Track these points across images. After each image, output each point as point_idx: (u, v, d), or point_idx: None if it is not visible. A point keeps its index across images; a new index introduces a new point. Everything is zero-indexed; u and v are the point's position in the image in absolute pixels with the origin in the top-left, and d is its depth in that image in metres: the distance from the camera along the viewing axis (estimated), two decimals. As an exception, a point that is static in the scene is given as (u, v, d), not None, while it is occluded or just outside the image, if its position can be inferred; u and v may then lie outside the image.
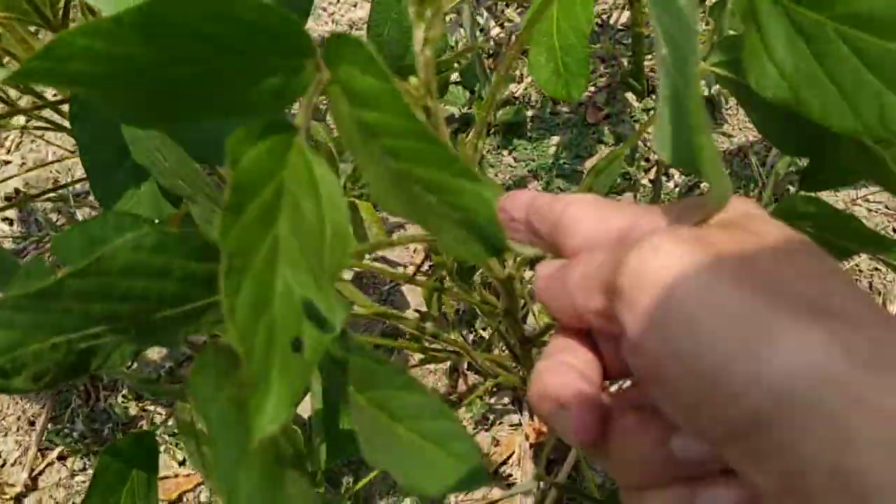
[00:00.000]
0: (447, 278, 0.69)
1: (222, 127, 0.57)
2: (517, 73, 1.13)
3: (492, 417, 0.86)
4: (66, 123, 0.85)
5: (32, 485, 0.89)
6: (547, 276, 0.28)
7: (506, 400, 0.87)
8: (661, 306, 0.22)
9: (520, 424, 0.85)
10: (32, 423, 0.94)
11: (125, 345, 0.40)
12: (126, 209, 0.59)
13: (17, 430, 0.94)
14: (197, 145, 0.46)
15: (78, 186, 1.19)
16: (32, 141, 1.31)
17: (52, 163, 1.19)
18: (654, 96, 1.04)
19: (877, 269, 0.89)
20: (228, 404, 0.30)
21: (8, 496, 0.87)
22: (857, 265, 0.90)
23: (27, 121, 1.36)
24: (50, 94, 0.92)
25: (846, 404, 0.19)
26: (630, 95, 1.05)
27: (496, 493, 0.80)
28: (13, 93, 0.97)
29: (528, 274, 0.73)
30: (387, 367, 0.32)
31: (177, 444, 0.87)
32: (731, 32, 0.48)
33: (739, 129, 1.01)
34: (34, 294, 0.35)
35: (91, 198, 1.16)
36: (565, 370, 0.27)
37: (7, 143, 1.32)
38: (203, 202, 0.52)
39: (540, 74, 0.59)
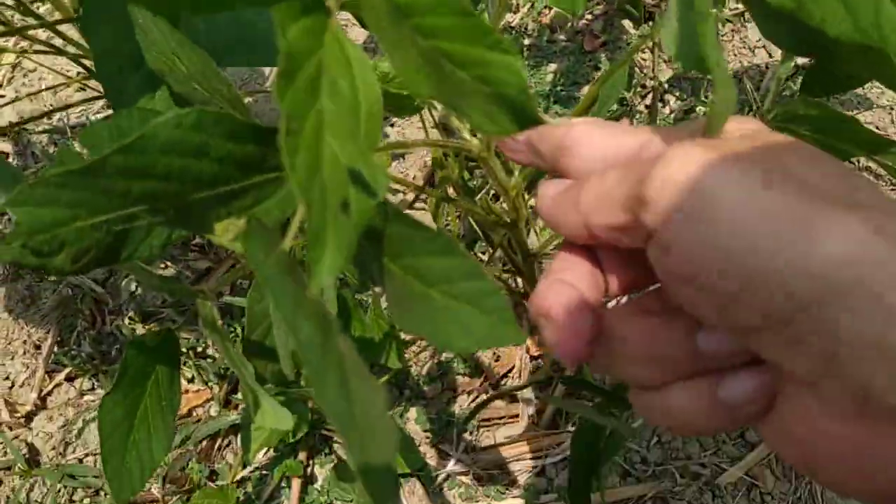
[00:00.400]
0: (453, 191, 0.70)
1: (245, 27, 0.58)
2: (514, 2, 1.14)
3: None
4: (66, 48, 0.85)
5: (42, 404, 0.91)
6: (554, 196, 0.29)
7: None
8: (697, 208, 0.22)
9: (519, 342, 0.87)
10: (38, 347, 0.96)
11: (159, 229, 0.42)
12: (106, 126, 0.59)
13: (24, 353, 0.95)
14: (221, 49, 0.46)
15: (73, 119, 1.18)
16: (25, 76, 1.30)
17: (47, 90, 1.19)
18: (650, 23, 1.05)
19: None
20: (278, 266, 0.32)
21: (19, 414, 0.89)
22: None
23: (21, 53, 1.34)
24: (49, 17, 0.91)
25: (889, 283, 0.20)
26: (627, 23, 1.06)
27: (498, 403, 0.83)
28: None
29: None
30: (423, 232, 0.33)
31: (184, 363, 0.89)
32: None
33: (734, 55, 1.03)
34: (78, 171, 0.36)
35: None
36: (562, 287, 0.28)
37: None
38: (221, 104, 0.53)
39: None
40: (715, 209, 0.22)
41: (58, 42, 0.94)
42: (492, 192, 0.86)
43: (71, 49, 0.86)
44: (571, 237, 0.29)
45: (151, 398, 0.54)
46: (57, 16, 0.82)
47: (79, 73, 1.23)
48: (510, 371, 0.86)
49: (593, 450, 0.63)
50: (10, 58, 1.34)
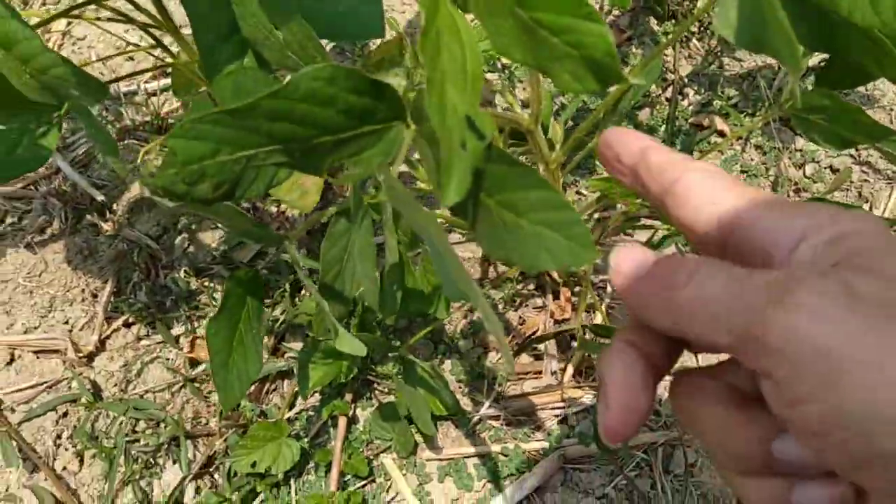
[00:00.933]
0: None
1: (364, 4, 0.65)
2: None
3: (518, 301, 0.97)
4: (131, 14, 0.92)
5: (101, 347, 0.98)
6: (636, 278, 0.28)
7: (531, 286, 0.98)
8: (827, 378, 0.22)
9: (543, 306, 0.95)
10: (95, 296, 1.03)
11: (266, 172, 0.50)
12: (231, 81, 0.67)
13: (82, 300, 1.03)
14: (334, 21, 0.54)
15: (123, 87, 1.25)
16: (73, 43, 1.37)
17: (97, 61, 1.26)
18: (673, 21, 1.13)
19: (865, 180, 1.00)
20: (409, 197, 0.40)
21: (81, 354, 0.96)
22: (850, 181, 1.01)
23: (68, 24, 1.41)
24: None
25: None
26: (652, 19, 1.14)
27: (525, 358, 0.91)
28: None
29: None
30: (519, 168, 0.41)
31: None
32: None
33: (749, 54, 1.11)
34: (231, 110, 0.43)
35: (138, 97, 1.23)
36: (626, 355, 0.27)
37: (49, 45, 1.38)
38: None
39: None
40: (848, 386, 0.21)
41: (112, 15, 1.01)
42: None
43: (141, 18, 0.93)
44: (651, 324, 0.27)
45: (245, 325, 0.61)
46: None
47: (128, 44, 1.30)
48: (535, 332, 0.94)
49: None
50: (59, 25, 1.41)
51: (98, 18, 1.06)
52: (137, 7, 0.91)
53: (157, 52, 1.14)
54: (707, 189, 0.28)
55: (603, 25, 0.39)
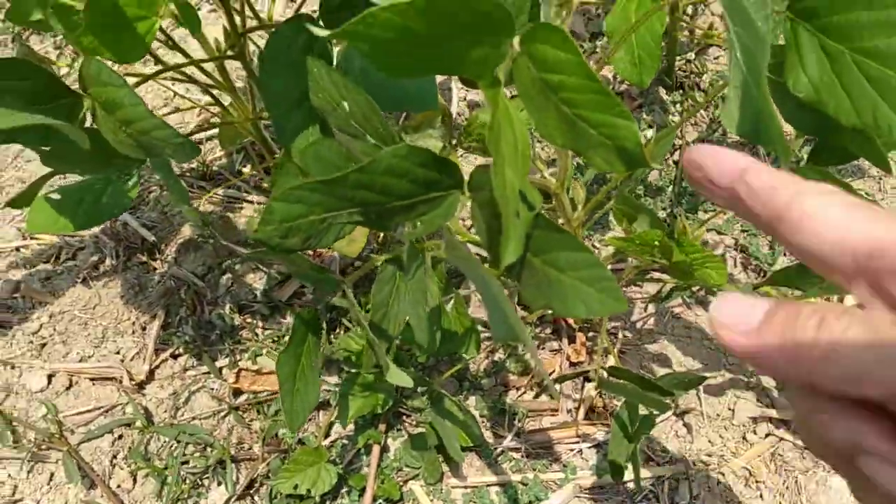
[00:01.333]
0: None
1: (424, 85, 0.75)
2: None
3: (536, 344, 1.06)
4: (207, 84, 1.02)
5: (151, 376, 1.07)
6: (746, 329, 0.25)
7: (548, 330, 1.06)
8: None
9: (559, 349, 1.04)
10: (145, 329, 1.12)
11: (336, 227, 0.59)
12: (302, 143, 0.77)
13: (133, 332, 1.11)
14: (399, 97, 0.64)
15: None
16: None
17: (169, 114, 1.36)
18: (681, 91, 1.24)
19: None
20: (469, 256, 0.49)
21: (134, 382, 1.05)
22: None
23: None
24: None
25: None
26: (661, 89, 1.24)
27: (543, 398, 0.99)
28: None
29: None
30: (561, 233, 0.50)
31: (269, 351, 1.06)
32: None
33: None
34: (325, 181, 0.53)
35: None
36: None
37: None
38: (370, 139, 0.70)
39: (619, 64, 0.79)
40: None
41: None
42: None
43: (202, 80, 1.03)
44: (774, 376, 0.28)
45: (306, 358, 0.70)
46: (200, 53, 0.99)
47: (175, 95, 1.41)
48: (551, 373, 1.02)
49: (629, 425, 0.80)
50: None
51: (164, 77, 1.16)
52: (202, 70, 1.01)
53: (199, 101, 1.24)
54: (830, 213, 0.25)
55: (633, 122, 0.49)
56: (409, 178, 0.55)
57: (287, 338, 0.67)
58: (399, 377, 0.69)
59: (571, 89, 0.48)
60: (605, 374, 0.75)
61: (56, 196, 0.78)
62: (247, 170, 1.29)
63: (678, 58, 1.22)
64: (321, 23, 0.76)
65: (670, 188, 1.16)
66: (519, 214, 0.49)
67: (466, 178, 0.54)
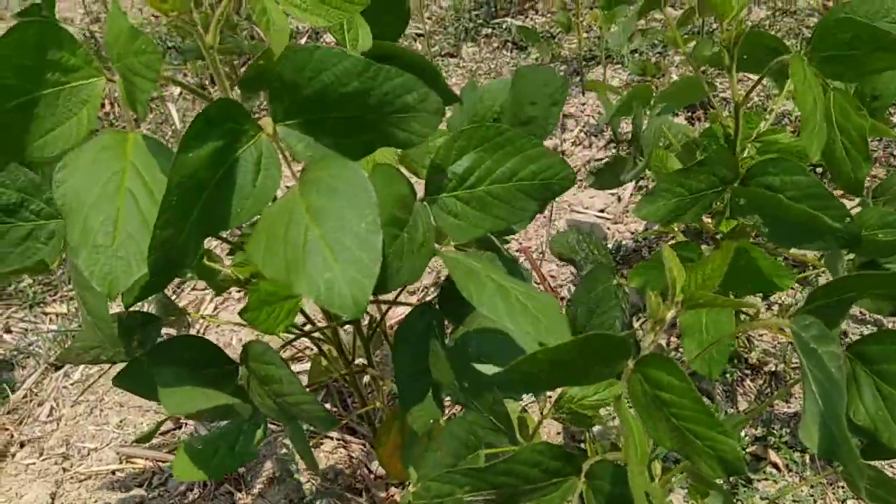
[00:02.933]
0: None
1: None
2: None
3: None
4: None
5: None
6: None
7: None
8: None
9: None
10: None
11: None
12: (420, 410, 0.88)
13: None
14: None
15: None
16: (218, 326, 1.63)
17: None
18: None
19: None
20: None
21: None
22: None
23: (215, 309, 1.69)
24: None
25: None
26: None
27: None
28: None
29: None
30: None
31: None
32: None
33: (796, 398, 1.32)
34: (470, 470, 0.63)
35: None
36: None
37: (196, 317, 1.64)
38: (490, 416, 0.81)
39: (691, 356, 0.91)
40: None
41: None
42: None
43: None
44: None
45: None
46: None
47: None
48: None
49: None
50: (207, 309, 1.69)
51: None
52: (313, 323, 1.15)
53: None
54: None
55: (734, 439, 0.60)
56: (542, 467, 0.66)
57: None
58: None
59: (680, 407, 0.60)
60: None
61: (198, 445, 0.89)
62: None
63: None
64: (437, 307, 0.90)
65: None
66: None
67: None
